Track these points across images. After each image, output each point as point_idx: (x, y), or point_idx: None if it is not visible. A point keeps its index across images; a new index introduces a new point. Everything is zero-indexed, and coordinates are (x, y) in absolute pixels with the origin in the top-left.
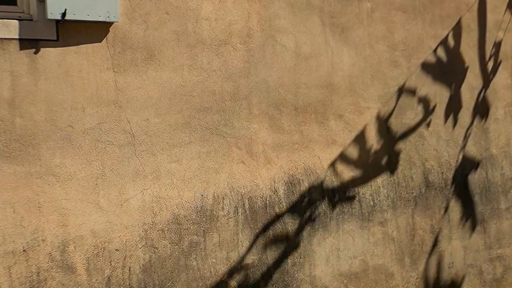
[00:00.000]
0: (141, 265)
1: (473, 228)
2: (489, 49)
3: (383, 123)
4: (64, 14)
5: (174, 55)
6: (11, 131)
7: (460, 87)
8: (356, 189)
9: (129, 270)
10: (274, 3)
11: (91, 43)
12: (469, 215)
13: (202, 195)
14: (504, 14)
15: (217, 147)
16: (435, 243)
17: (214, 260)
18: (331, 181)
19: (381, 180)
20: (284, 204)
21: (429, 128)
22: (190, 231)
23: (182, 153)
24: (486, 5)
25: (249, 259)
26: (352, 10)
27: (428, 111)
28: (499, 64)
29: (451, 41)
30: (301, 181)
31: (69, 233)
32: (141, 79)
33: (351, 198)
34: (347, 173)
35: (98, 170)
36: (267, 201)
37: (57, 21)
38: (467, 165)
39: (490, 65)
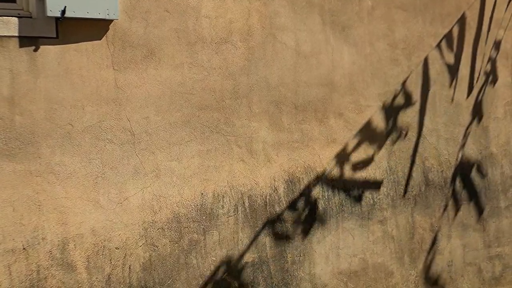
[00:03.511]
0: (141, 263)
1: (472, 226)
2: (489, 47)
3: (383, 122)
4: (63, 12)
5: (174, 53)
6: (11, 129)
7: (460, 85)
8: (355, 187)
9: (129, 268)
10: (274, 1)
11: (90, 40)
12: (469, 213)
13: (202, 194)
14: (505, 12)
15: (217, 145)
16: (434, 242)
17: (214, 258)
18: (331, 180)
19: (381, 178)
20: (284, 202)
21: (429, 127)
22: (190, 230)
23: (182, 152)
24: (487, 3)
25: (249, 258)
26: (352, 8)
27: (428, 109)
28: (499, 63)
29: (451, 40)
30: (301, 180)
31: (69, 232)
32: (141, 77)
33: (350, 197)
34: (347, 171)
35: (98, 168)
36: (267, 200)
37: (56, 18)
38: (466, 164)
39: (490, 63)
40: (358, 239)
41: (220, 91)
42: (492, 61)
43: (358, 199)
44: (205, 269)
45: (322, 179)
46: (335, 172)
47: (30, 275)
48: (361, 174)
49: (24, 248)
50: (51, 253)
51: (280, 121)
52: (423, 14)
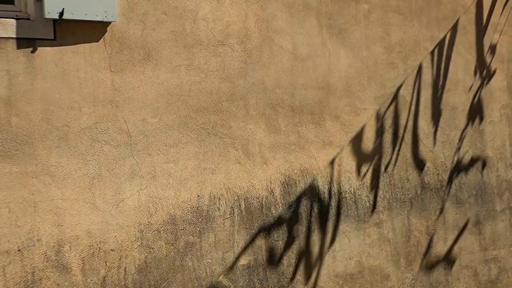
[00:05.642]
0: (136, 266)
1: (468, 229)
2: (485, 51)
3: (379, 125)
4: (61, 14)
5: (171, 55)
6: (7, 130)
7: (455, 88)
8: (352, 190)
9: (125, 270)
10: (271, 4)
11: (88, 42)
12: (465, 216)
13: (198, 196)
14: (500, 16)
15: (214, 147)
16: (430, 245)
17: (210, 261)
18: (327, 182)
19: (377, 181)
20: (280, 205)
21: (425, 130)
22: (186, 232)
23: (178, 153)
24: (483, 8)
25: (244, 260)
26: (349, 12)
27: (424, 112)
28: (494, 67)
29: (447, 43)
30: (297, 182)
31: (65, 233)
32: (138, 79)
33: (347, 199)
34: (343, 174)
35: (94, 169)
36: (263, 202)
37: (54, 20)
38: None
39: (486, 67)
40: (354, 242)
41: (217, 93)
42: (488, 65)
43: (354, 201)
44: (200, 272)
45: (318, 181)
46: (331, 174)
47: (25, 276)
48: (357, 176)
49: (19, 250)
50: (46, 255)
51: (276, 124)
52: (419, 17)
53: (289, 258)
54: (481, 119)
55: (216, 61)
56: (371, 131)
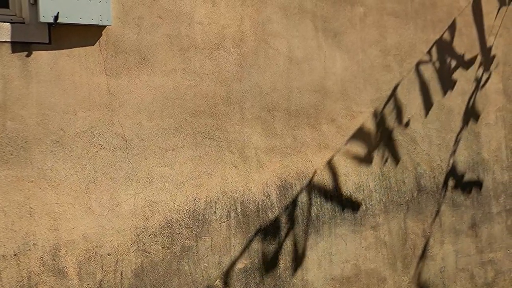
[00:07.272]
0: (133, 270)
1: (464, 232)
2: (480, 54)
3: (375, 128)
4: (56, 17)
5: (167, 59)
6: (2, 135)
7: (451, 91)
8: (348, 193)
9: (121, 274)
10: (267, 7)
11: (83, 46)
12: (461, 219)
13: (195, 199)
14: (495, 19)
15: (210, 151)
16: (426, 247)
17: (206, 265)
18: (324, 185)
19: (373, 185)
20: (277, 208)
21: (421, 133)
22: (182, 235)
23: (174, 157)
24: (480, 11)
25: (241, 264)
26: (344, 15)
27: (420, 116)
28: (490, 69)
29: (442, 46)
30: (293, 185)
31: (61, 237)
32: (133, 83)
33: (343, 203)
34: (340, 177)
35: (90, 174)
36: (260, 205)
37: (49, 24)
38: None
39: (481, 69)
40: (350, 245)
41: (212, 97)
42: (483, 68)
43: (351, 205)
44: (197, 275)
45: (314, 184)
46: (328, 177)
47: (21, 281)
48: (354, 180)
49: (15, 254)
50: (42, 259)
51: (272, 127)
52: (415, 20)
53: (286, 262)
54: (477, 121)
55: (211, 64)
56: (367, 134)
